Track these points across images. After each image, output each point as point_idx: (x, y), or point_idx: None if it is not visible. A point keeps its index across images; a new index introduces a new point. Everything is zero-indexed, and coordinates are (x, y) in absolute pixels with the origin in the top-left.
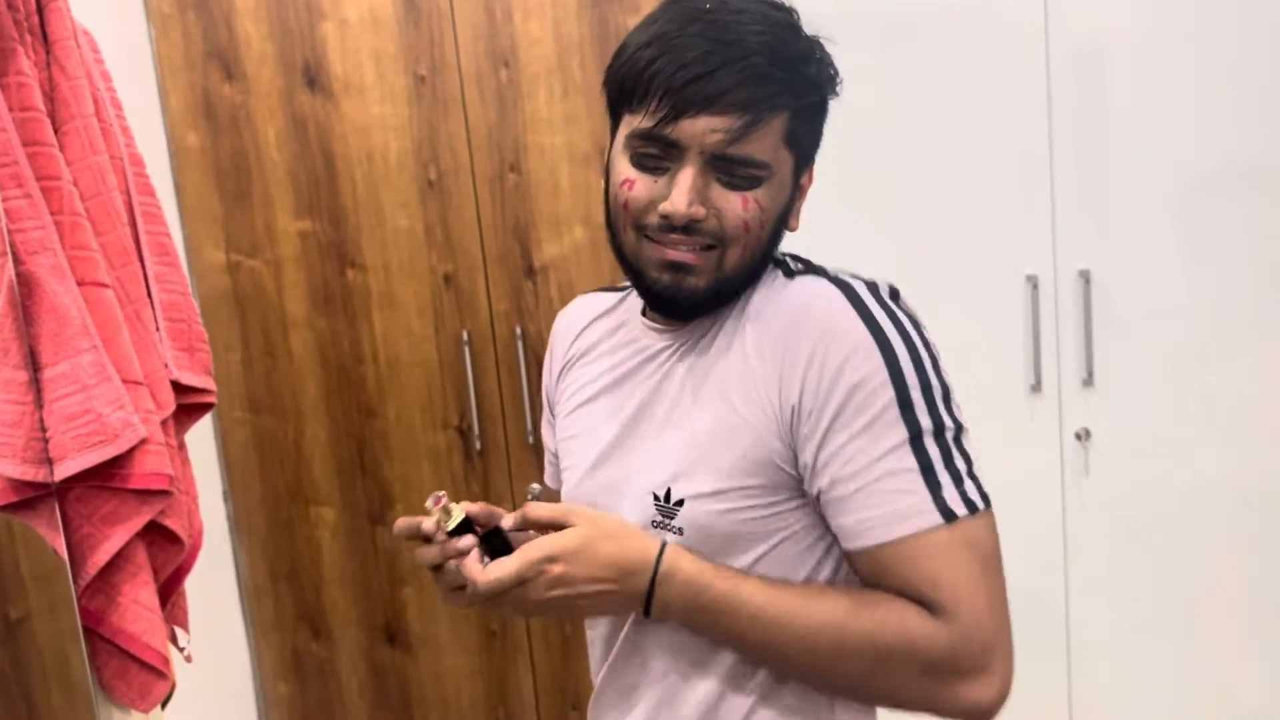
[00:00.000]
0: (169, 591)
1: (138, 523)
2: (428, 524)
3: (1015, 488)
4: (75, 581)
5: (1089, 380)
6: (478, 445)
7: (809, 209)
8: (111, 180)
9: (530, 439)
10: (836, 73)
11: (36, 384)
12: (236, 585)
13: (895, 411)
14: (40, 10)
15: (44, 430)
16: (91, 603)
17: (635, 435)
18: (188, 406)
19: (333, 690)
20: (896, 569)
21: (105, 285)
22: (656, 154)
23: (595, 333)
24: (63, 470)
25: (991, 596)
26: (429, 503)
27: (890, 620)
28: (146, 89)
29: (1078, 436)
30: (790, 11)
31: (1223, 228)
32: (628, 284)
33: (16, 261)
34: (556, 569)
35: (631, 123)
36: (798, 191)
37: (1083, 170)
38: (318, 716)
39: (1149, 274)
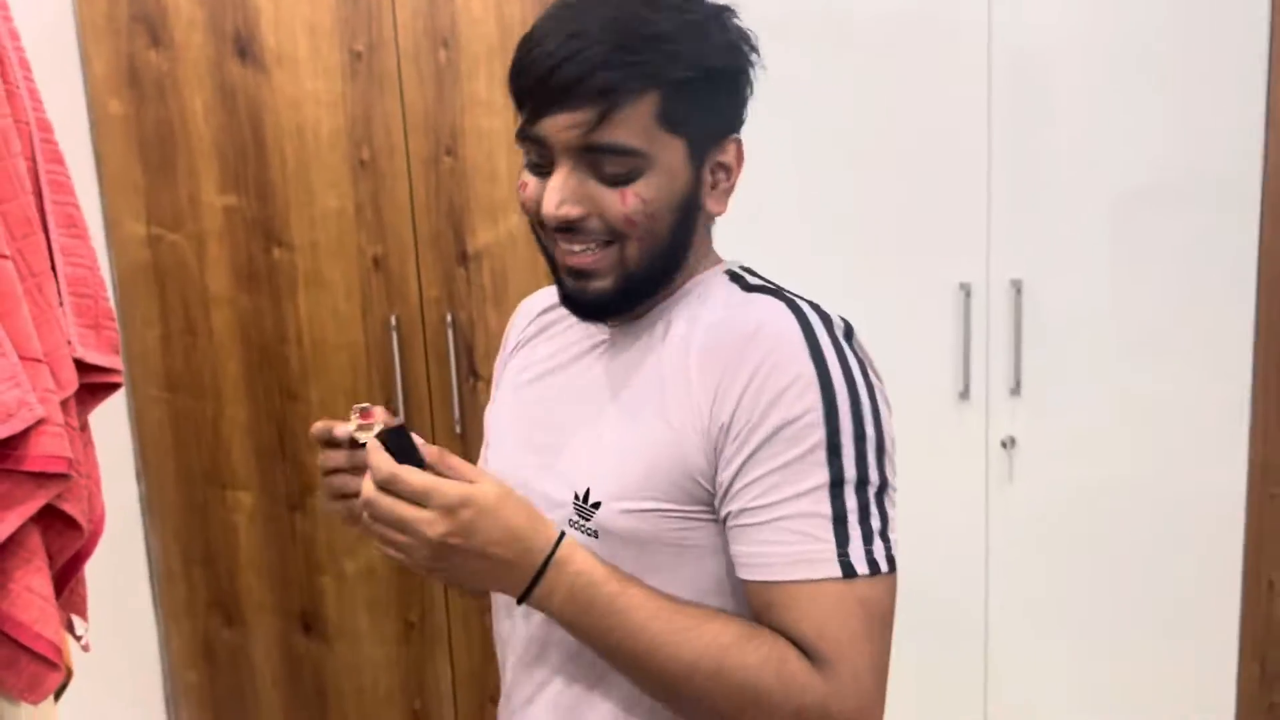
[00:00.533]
0: (66, 578)
1: (32, 506)
2: (341, 430)
3: (940, 495)
4: None
5: (1016, 389)
6: None
7: (742, 213)
8: (15, 145)
9: (458, 428)
10: (740, 42)
11: None
12: (147, 569)
13: (822, 454)
14: None
15: None
16: None
17: (562, 426)
18: (92, 386)
19: (245, 678)
20: (785, 610)
21: (4, 256)
22: (537, 156)
23: (547, 319)
24: None
25: (874, 658)
26: (353, 413)
27: (772, 659)
28: (68, 53)
29: (1003, 444)
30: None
31: (1150, 238)
32: None
33: None
34: (465, 514)
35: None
36: (706, 173)
37: (1019, 178)
38: (228, 705)
39: (1078, 283)
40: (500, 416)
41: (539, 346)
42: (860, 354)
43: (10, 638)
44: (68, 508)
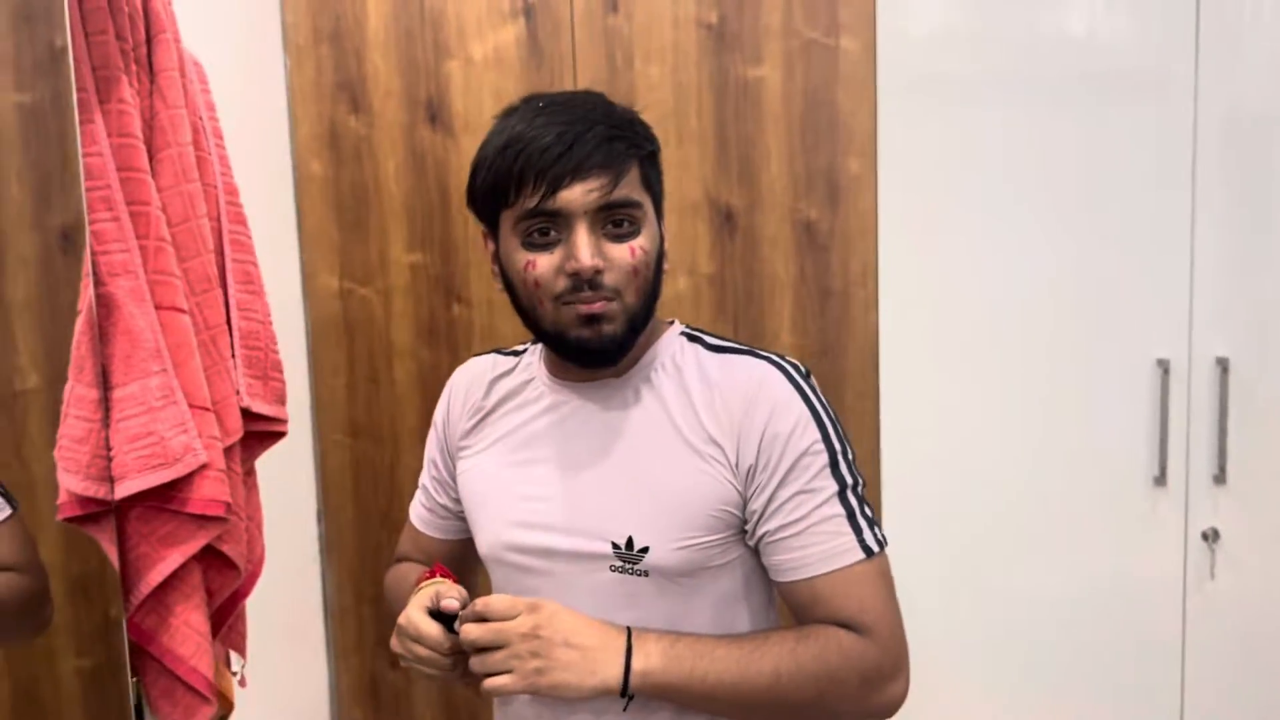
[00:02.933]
0: (225, 615)
1: (193, 546)
2: (447, 602)
3: (1133, 588)
4: (129, 599)
5: (1220, 476)
6: None
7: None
8: (201, 208)
9: None
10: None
11: (106, 403)
12: (322, 607)
13: (829, 471)
14: (149, 41)
15: (108, 448)
16: (145, 621)
17: (568, 489)
18: (259, 434)
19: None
20: (829, 599)
21: (183, 310)
22: (544, 230)
23: (499, 391)
24: (123, 489)
25: (897, 614)
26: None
27: (830, 643)
28: (278, 117)
29: (1205, 536)
30: (600, 94)
31: None
32: (518, 348)
33: (98, 283)
34: (544, 610)
35: (513, 214)
36: (662, 234)
37: (1225, 247)
38: None
39: None
40: (482, 490)
41: (497, 423)
42: (818, 391)
43: (169, 670)
44: (226, 549)
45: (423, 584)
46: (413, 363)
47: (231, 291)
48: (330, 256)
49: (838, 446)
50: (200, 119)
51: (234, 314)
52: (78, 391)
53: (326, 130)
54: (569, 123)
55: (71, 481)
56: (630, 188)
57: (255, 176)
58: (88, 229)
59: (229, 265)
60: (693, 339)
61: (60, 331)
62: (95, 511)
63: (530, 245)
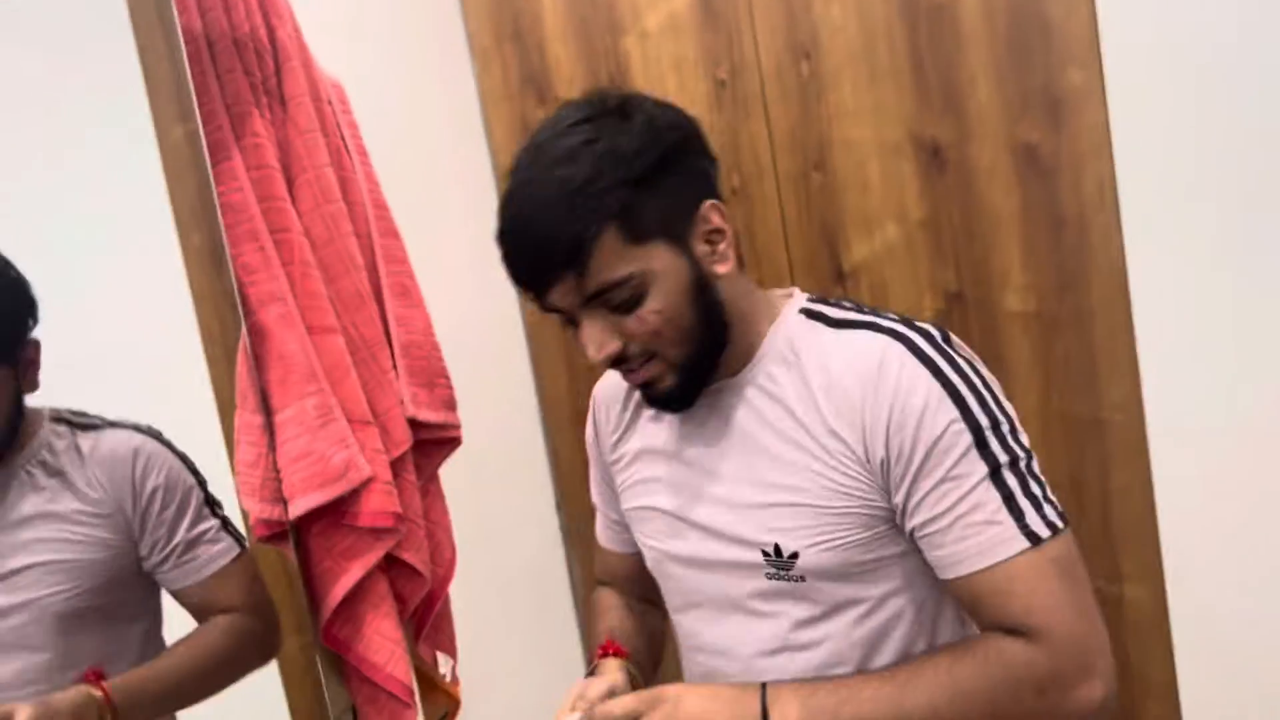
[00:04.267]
0: (424, 620)
1: (372, 558)
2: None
3: None
4: (319, 612)
5: None
6: None
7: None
8: (346, 226)
9: None
10: (655, 128)
11: (270, 428)
12: (570, 592)
13: (975, 452)
14: (278, 71)
15: (277, 471)
16: (340, 632)
17: (715, 498)
18: (435, 441)
19: None
20: (992, 596)
21: (334, 330)
22: (561, 316)
23: (635, 402)
24: (295, 509)
25: (1079, 606)
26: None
27: (990, 656)
28: (472, 120)
29: None
30: (570, 128)
31: None
32: None
33: (248, 313)
34: (668, 693)
35: None
36: (699, 248)
37: None
38: None
39: None
40: (640, 504)
41: (647, 426)
42: (963, 353)
43: (368, 678)
44: (407, 556)
45: (595, 662)
46: None
47: (388, 306)
48: None
49: (983, 421)
50: (341, 139)
51: (393, 328)
52: (244, 418)
53: (519, 127)
54: (519, 231)
55: (250, 505)
56: (608, 264)
57: (457, 182)
58: (231, 263)
59: (383, 280)
60: (813, 315)
61: None
62: (282, 531)
63: (562, 321)
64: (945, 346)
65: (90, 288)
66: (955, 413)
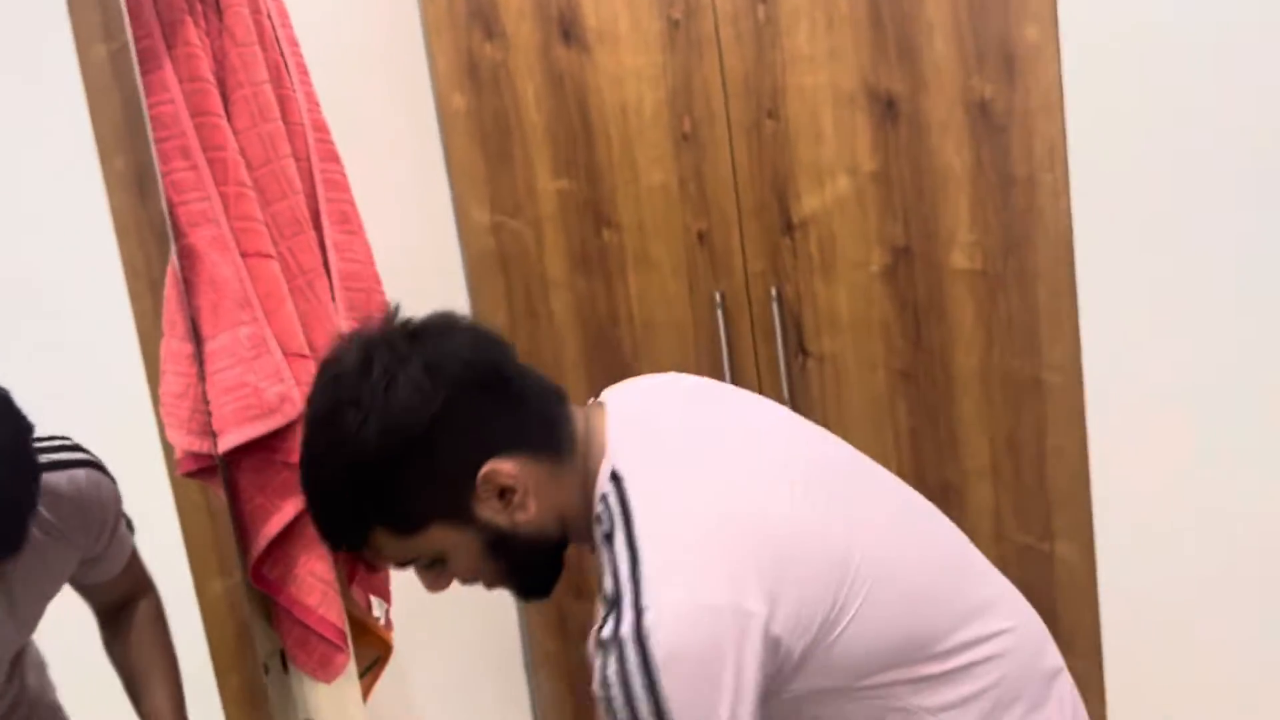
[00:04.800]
0: (358, 562)
1: None
2: None
3: None
4: (249, 551)
5: None
6: None
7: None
8: (285, 148)
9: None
10: (397, 427)
11: (199, 357)
12: None
13: None
14: None
15: (207, 403)
16: (272, 573)
17: None
18: None
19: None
20: None
21: (269, 256)
22: None
23: None
24: (225, 443)
25: None
26: None
27: None
28: (415, 53)
29: None
30: (328, 413)
31: None
32: None
33: (179, 234)
34: None
35: None
36: (487, 513)
37: None
38: (582, 674)
39: None
40: None
41: None
42: (660, 646)
43: (299, 620)
44: None
45: None
46: (569, 294)
47: (327, 233)
48: (479, 190)
49: None
50: (281, 55)
51: (331, 256)
52: (172, 346)
53: (464, 60)
54: (308, 499)
55: (177, 437)
56: (391, 552)
57: (400, 115)
58: (160, 181)
59: (323, 206)
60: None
61: None
62: (209, 466)
63: None
64: (646, 667)
65: (3, 217)
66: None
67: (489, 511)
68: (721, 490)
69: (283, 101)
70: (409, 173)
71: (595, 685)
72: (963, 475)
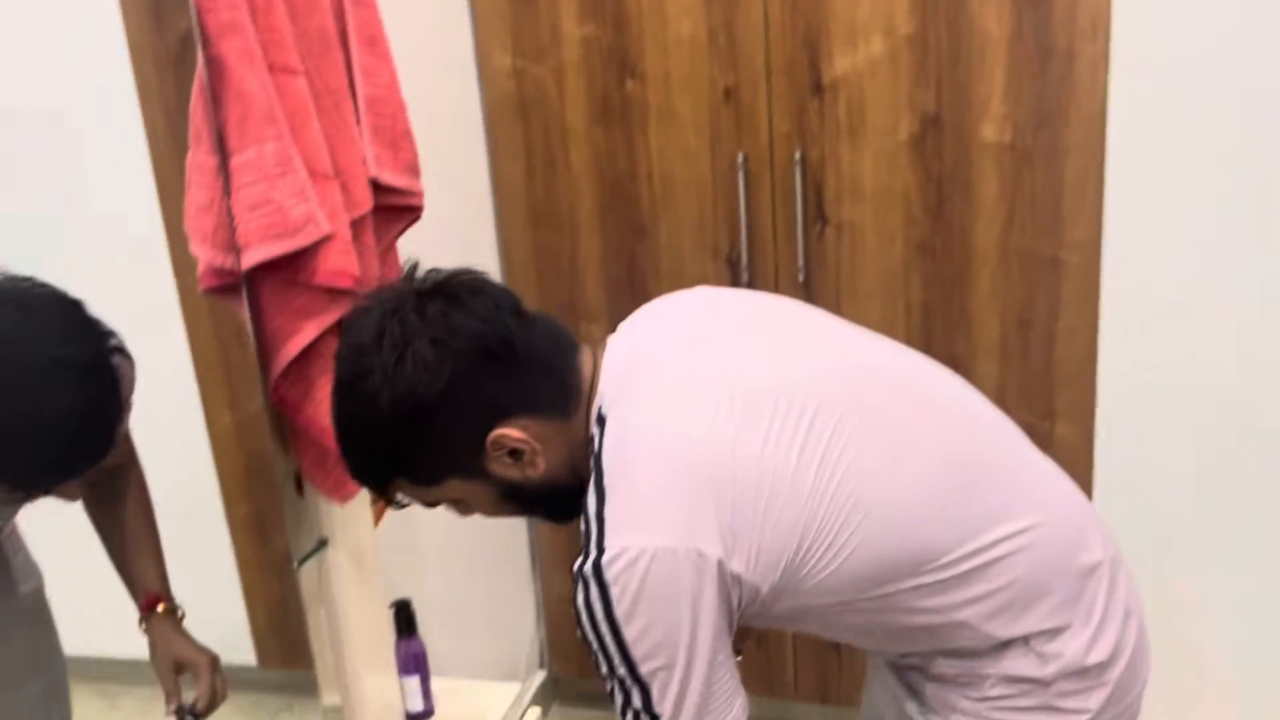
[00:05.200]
0: None
1: (327, 319)
2: None
3: None
4: (269, 371)
5: None
6: (745, 277)
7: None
8: None
9: (801, 276)
10: (412, 389)
11: (225, 171)
12: None
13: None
14: None
15: (232, 218)
16: (290, 393)
17: None
18: (395, 209)
19: None
20: None
21: (296, 72)
22: None
23: None
24: (248, 259)
25: None
26: None
27: None
28: None
29: None
30: (348, 384)
31: None
32: None
33: (206, 44)
34: None
35: None
36: (498, 469)
37: None
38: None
39: None
40: None
41: None
42: (616, 584)
43: (316, 440)
44: None
45: None
46: (587, 145)
47: (355, 54)
48: (502, 33)
49: (616, 667)
50: None
51: (358, 79)
52: (198, 158)
53: None
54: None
55: (201, 251)
56: (414, 496)
57: None
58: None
59: (351, 26)
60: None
61: None
62: (231, 283)
63: None
64: (606, 602)
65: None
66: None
67: (500, 468)
68: (691, 433)
69: None
70: (431, 10)
71: (573, 608)
72: (971, 351)
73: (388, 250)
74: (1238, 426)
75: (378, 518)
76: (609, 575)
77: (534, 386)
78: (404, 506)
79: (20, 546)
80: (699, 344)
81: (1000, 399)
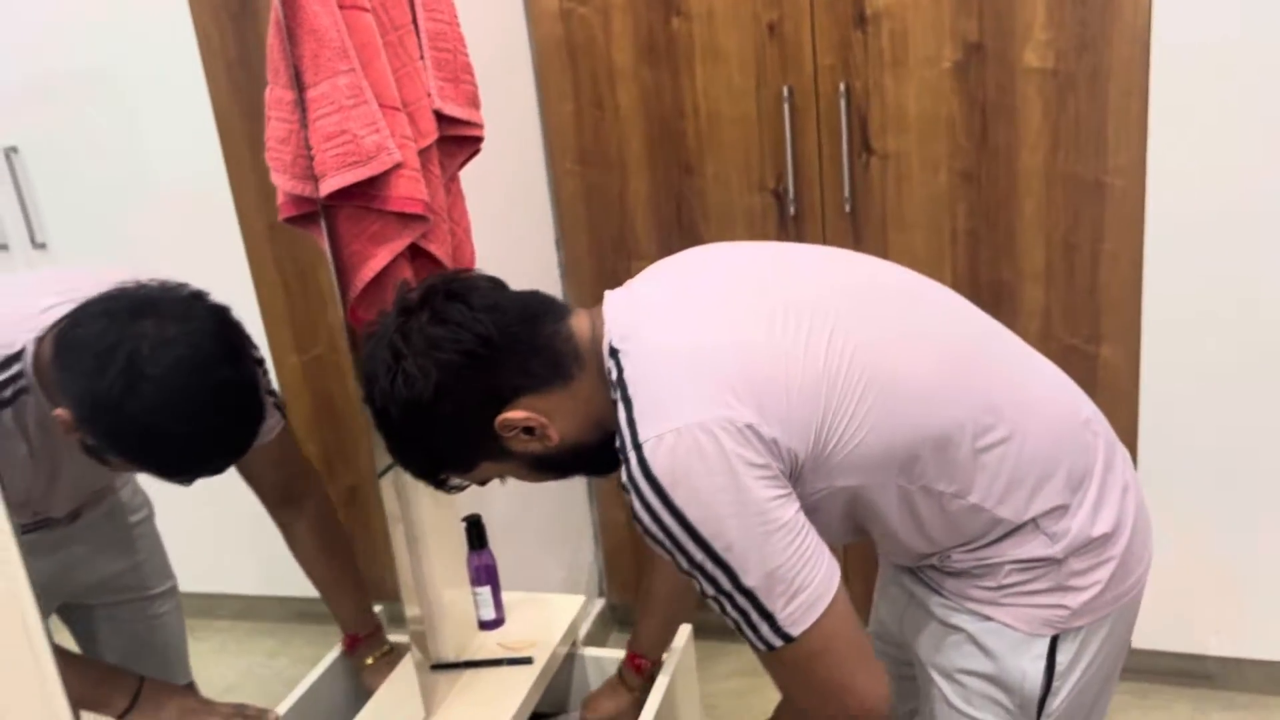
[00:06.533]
0: None
1: (400, 243)
2: None
3: None
4: (346, 294)
5: None
6: (792, 210)
7: None
8: None
9: (847, 206)
10: (412, 388)
11: (301, 103)
12: None
13: (699, 574)
14: None
15: (308, 148)
16: (367, 315)
17: None
18: (457, 139)
19: None
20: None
21: (365, 9)
22: None
23: None
24: (325, 186)
25: (818, 688)
26: None
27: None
28: None
29: None
30: (387, 401)
31: None
32: None
33: None
34: None
35: None
36: (518, 448)
37: None
38: None
39: None
40: None
41: None
42: (682, 486)
43: None
44: (433, 248)
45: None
46: (635, 85)
47: None
48: None
49: (683, 562)
50: None
51: (420, 14)
52: (275, 93)
53: None
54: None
55: (281, 181)
56: (462, 480)
57: None
58: None
59: None
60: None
61: None
62: (309, 212)
63: None
64: (636, 474)
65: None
66: (666, 540)
67: (520, 446)
68: (698, 330)
69: None
70: None
71: (635, 521)
72: (1017, 276)
73: (451, 180)
74: None
75: None
76: (653, 467)
77: (524, 368)
78: (461, 489)
79: (129, 479)
80: (695, 279)
81: (1046, 323)
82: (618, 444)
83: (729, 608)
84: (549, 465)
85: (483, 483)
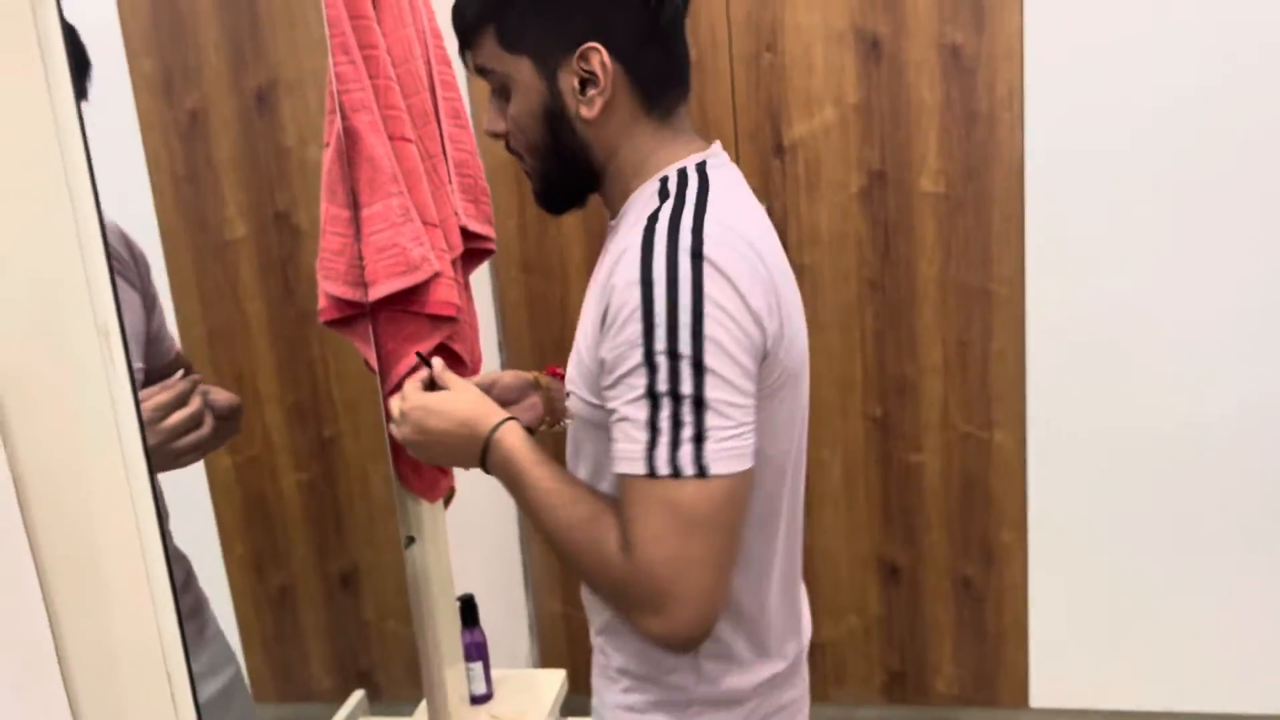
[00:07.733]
0: None
1: (432, 342)
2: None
3: None
4: (385, 387)
5: None
6: None
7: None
8: (417, 50)
9: None
10: None
11: (356, 221)
12: None
13: (642, 369)
14: None
15: (361, 260)
16: None
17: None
18: (472, 251)
19: None
20: (619, 498)
21: (410, 140)
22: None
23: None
24: (375, 293)
25: (673, 551)
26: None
27: (597, 536)
28: None
29: None
30: None
31: None
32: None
33: (343, 117)
34: (429, 401)
35: None
36: (567, 83)
37: None
38: None
39: None
40: None
41: None
42: (705, 271)
43: None
44: (457, 347)
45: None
46: None
47: (444, 126)
48: None
49: (661, 337)
50: None
51: (448, 145)
52: (332, 211)
53: None
54: None
55: (332, 287)
56: (484, 54)
57: None
58: (331, 69)
59: (439, 102)
60: (663, 186)
61: (261, 185)
62: (349, 315)
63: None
64: (680, 252)
65: None
66: (640, 327)
67: (566, 82)
68: (759, 238)
69: (412, 9)
70: None
71: (630, 275)
72: (919, 372)
73: (466, 285)
74: (1148, 429)
75: (446, 501)
76: (705, 245)
77: (649, 52)
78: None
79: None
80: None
81: (944, 412)
82: (662, 213)
83: (660, 414)
84: (551, 124)
85: (484, 73)
